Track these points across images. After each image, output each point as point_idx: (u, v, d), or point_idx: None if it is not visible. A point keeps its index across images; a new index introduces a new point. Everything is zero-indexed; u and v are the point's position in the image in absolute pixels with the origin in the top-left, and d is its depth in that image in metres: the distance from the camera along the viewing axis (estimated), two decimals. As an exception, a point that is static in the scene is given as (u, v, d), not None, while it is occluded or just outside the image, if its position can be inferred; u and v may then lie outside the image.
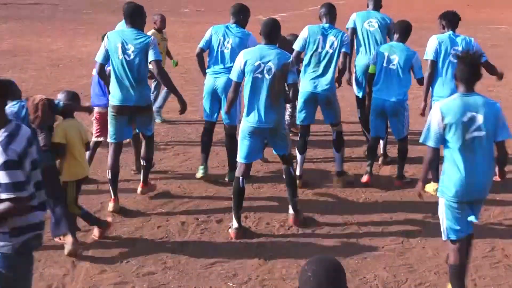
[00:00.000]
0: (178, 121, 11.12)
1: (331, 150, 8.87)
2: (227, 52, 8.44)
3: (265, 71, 7.05)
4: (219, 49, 8.52)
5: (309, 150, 9.05)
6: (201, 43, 8.72)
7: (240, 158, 7.29)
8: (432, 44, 8.29)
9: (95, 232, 7.07)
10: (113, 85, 7.71)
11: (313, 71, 8.45)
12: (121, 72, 7.62)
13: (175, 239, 7.14)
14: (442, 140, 5.60)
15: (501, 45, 19.51)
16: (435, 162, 6.72)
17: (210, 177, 8.73)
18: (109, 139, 7.88)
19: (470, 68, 5.60)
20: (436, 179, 7.73)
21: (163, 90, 10.95)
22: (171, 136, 10.51)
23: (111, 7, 27.75)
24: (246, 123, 7.19)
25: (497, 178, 5.90)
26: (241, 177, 7.24)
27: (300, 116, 8.65)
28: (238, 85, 7.37)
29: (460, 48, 8.03)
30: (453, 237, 5.71)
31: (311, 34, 8.44)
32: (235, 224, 7.21)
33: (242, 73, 7.19)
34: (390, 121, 8.76)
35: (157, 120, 10.79)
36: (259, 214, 7.71)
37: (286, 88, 7.21)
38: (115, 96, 7.70)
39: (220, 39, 8.53)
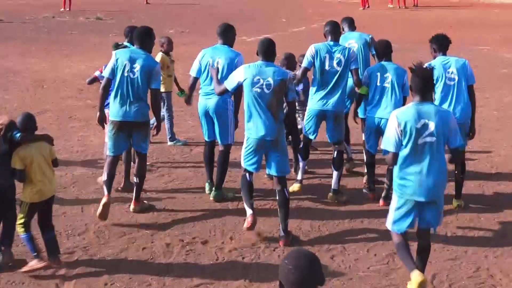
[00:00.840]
0: (163, 142, 11.11)
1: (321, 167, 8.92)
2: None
3: (264, 86, 7.34)
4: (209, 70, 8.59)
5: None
6: (194, 72, 8.79)
7: (245, 166, 7.64)
8: None
9: (30, 263, 6.72)
10: (114, 102, 8.02)
11: (322, 90, 8.56)
12: (124, 88, 7.95)
13: (160, 260, 7.10)
14: (401, 145, 6.08)
15: (483, 66, 19.66)
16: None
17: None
18: (108, 152, 8.16)
19: (424, 81, 6.14)
20: (458, 197, 8.44)
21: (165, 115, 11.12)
22: (156, 157, 10.49)
23: (95, 28, 27.80)
24: (249, 136, 7.52)
25: None
26: (247, 174, 7.65)
27: (306, 129, 8.82)
28: (227, 90, 7.77)
29: (454, 70, 8.24)
30: (395, 230, 6.29)
31: (317, 52, 8.55)
32: (249, 211, 7.49)
33: (237, 86, 7.58)
34: None
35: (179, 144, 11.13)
36: (245, 235, 7.69)
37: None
38: (115, 112, 8.01)
39: (209, 61, 8.61)
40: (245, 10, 36.44)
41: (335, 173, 8.78)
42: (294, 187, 8.82)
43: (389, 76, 8.60)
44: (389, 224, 6.39)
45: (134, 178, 8.29)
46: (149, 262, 7.06)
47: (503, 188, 9.30)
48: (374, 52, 9.36)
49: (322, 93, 8.58)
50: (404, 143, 6.08)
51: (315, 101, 8.63)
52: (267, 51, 7.54)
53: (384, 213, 8.21)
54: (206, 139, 8.97)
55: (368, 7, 39.34)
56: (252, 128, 7.45)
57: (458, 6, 41.89)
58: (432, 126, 6.05)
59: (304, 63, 8.71)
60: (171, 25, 26.52)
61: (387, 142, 6.16)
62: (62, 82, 16.41)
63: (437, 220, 6.36)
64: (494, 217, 8.27)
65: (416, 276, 6.09)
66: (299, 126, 9.69)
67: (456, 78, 8.32)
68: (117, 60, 8.03)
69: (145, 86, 8.01)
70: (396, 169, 6.25)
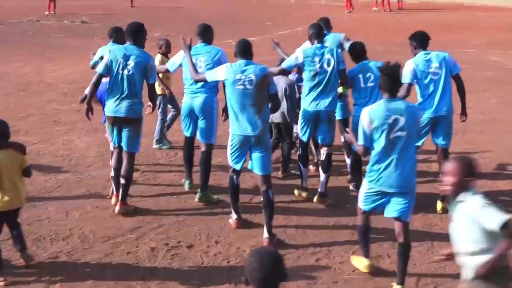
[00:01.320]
0: (148, 146, 11.08)
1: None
2: (201, 71, 8.43)
3: (247, 83, 7.52)
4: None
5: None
6: (171, 66, 9.05)
7: (231, 164, 7.81)
8: (409, 67, 8.45)
9: None
10: (109, 98, 8.23)
11: (314, 91, 8.62)
12: (119, 85, 8.13)
13: (145, 265, 7.08)
14: (371, 140, 6.46)
15: (469, 68, 19.73)
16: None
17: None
18: (110, 145, 8.56)
19: (391, 79, 6.47)
20: (442, 198, 8.48)
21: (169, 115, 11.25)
22: (140, 160, 10.45)
23: (80, 31, 27.71)
24: (233, 133, 7.66)
25: None
26: (234, 176, 7.86)
27: (301, 133, 8.87)
28: (205, 80, 7.99)
29: (437, 64, 8.39)
30: (364, 208, 6.75)
31: (307, 57, 8.59)
32: (234, 216, 7.88)
33: (216, 82, 8.01)
34: None
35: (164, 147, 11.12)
36: (230, 238, 7.68)
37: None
38: (109, 108, 8.24)
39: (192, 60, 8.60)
40: (230, 14, 36.44)
41: (322, 176, 8.81)
42: (302, 195, 8.98)
43: (372, 76, 8.65)
44: (359, 201, 6.80)
45: (121, 179, 8.29)
46: (134, 267, 7.04)
47: (488, 191, 9.32)
48: (347, 50, 9.40)
49: (314, 94, 8.63)
50: (376, 137, 6.41)
51: (308, 103, 8.68)
52: (245, 50, 7.75)
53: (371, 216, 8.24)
54: (187, 135, 9.03)
55: (353, 9, 39.44)
56: (236, 125, 7.61)
57: (443, 9, 42.09)
58: (402, 121, 6.38)
59: (285, 65, 8.81)
60: (157, 28, 26.47)
61: (360, 137, 6.53)
62: (47, 86, 16.35)
63: (407, 212, 6.58)
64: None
65: (366, 265, 6.86)
66: (295, 130, 9.76)
67: (440, 71, 8.46)
68: (111, 57, 8.16)
69: (140, 82, 8.18)
70: (370, 161, 6.57)
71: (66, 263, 7.04)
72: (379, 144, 6.42)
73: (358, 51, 8.97)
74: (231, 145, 7.72)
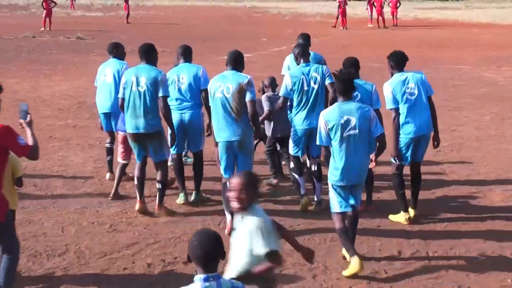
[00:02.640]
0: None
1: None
2: (184, 87, 9.18)
3: (225, 91, 8.12)
4: (177, 87, 9.20)
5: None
6: (165, 92, 8.93)
7: (222, 173, 8.33)
8: (387, 92, 8.54)
9: None
10: (126, 116, 8.73)
11: (304, 109, 8.93)
12: (134, 102, 8.60)
13: (141, 281, 7.05)
14: (329, 139, 7.21)
15: (462, 85, 19.84)
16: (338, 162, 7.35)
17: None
18: (136, 158, 8.97)
19: (345, 84, 7.20)
20: (405, 209, 8.63)
21: None
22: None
23: (76, 48, 27.76)
24: (219, 141, 8.22)
25: (372, 164, 7.85)
26: (227, 182, 7.66)
27: (294, 149, 9.16)
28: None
29: (413, 85, 8.50)
30: (337, 210, 7.35)
31: (294, 78, 8.92)
32: (228, 217, 8.09)
33: (211, 98, 8.32)
34: None
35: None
36: (226, 255, 7.65)
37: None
38: (128, 125, 8.74)
39: (174, 79, 9.22)
40: (226, 30, 36.59)
41: (317, 185, 9.13)
42: (304, 201, 9.15)
43: (358, 95, 8.54)
44: (331, 207, 7.45)
45: (157, 184, 8.87)
46: (130, 283, 7.01)
47: (483, 206, 9.34)
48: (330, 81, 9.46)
49: (304, 112, 8.91)
50: (332, 136, 7.17)
51: (299, 121, 8.95)
52: (234, 60, 8.30)
53: (365, 232, 8.26)
54: (175, 152, 9.36)
55: (334, 27, 39.63)
56: (220, 132, 8.20)
57: (438, 26, 42.31)
58: (353, 121, 7.11)
59: (282, 93, 9.05)
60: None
61: (320, 138, 7.31)
62: (42, 102, 16.36)
63: (359, 200, 7.52)
64: (474, 236, 8.30)
65: (356, 263, 7.07)
66: None
67: (416, 92, 8.53)
68: (126, 79, 8.69)
69: (155, 97, 8.57)
70: (330, 161, 7.29)
71: (62, 279, 7.00)
72: (335, 142, 7.17)
73: (354, 66, 8.86)
74: (219, 153, 8.25)
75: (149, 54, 8.76)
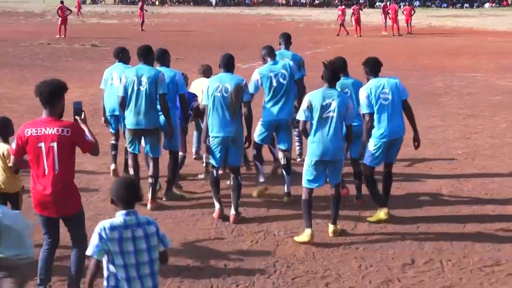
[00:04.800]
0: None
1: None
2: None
3: (223, 91, 8.78)
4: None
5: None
6: (164, 89, 9.42)
7: (213, 162, 9.01)
8: (363, 97, 8.83)
9: None
10: (128, 113, 9.33)
11: (274, 103, 9.69)
12: (135, 100, 9.23)
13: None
14: (310, 117, 8.16)
15: (477, 93, 19.78)
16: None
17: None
18: (129, 150, 9.67)
19: (331, 73, 8.23)
20: (383, 204, 8.93)
21: (194, 134, 11.78)
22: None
23: (90, 55, 27.90)
24: (212, 136, 8.87)
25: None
26: (214, 171, 9.05)
27: (259, 137, 9.94)
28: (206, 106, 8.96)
29: (387, 90, 8.80)
30: (307, 186, 8.30)
31: (263, 75, 9.72)
32: (217, 205, 8.96)
33: (207, 97, 8.88)
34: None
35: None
36: (239, 262, 7.68)
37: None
38: (129, 121, 9.35)
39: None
40: (240, 38, 36.67)
41: (287, 178, 9.73)
42: (262, 187, 9.91)
43: (349, 91, 9.19)
44: (303, 182, 8.35)
45: (150, 179, 9.39)
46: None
47: (498, 215, 9.30)
48: (303, 74, 10.45)
49: (274, 105, 9.68)
50: (314, 115, 8.13)
51: (268, 113, 9.72)
52: (227, 63, 9.00)
53: (377, 240, 8.25)
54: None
55: (338, 35, 39.65)
56: (214, 127, 8.83)
57: (452, 33, 42.20)
58: (333, 104, 8.11)
59: (251, 90, 9.49)
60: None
61: (300, 114, 8.25)
62: (57, 109, 16.39)
63: (338, 176, 8.39)
64: (488, 244, 8.26)
65: (308, 234, 8.14)
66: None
67: (390, 97, 8.81)
68: (127, 78, 9.30)
69: (154, 95, 9.22)
70: (309, 136, 8.22)
71: None
72: (315, 122, 8.15)
73: (341, 66, 9.14)
74: (211, 144, 8.91)
75: (147, 55, 9.42)
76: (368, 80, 9.00)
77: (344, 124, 8.27)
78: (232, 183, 9.05)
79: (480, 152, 12.74)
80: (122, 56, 10.62)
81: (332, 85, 8.27)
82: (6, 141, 7.34)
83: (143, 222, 4.96)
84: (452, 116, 16.15)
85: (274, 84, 9.63)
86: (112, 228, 4.86)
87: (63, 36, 35.48)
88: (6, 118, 7.56)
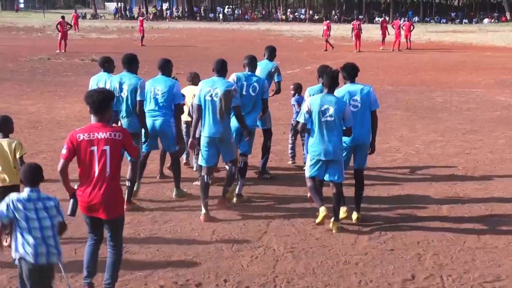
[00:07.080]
0: (157, 182, 11.08)
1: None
2: (159, 98, 10.21)
3: (213, 95, 9.34)
4: (151, 96, 10.25)
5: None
6: (141, 96, 9.98)
7: (202, 163, 9.65)
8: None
9: None
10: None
11: (241, 110, 10.02)
12: (119, 106, 9.90)
13: (153, 303, 7.04)
14: (309, 119, 8.84)
15: (476, 108, 19.79)
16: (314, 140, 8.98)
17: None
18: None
19: (331, 79, 8.82)
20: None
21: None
22: (150, 197, 10.45)
23: (90, 70, 27.92)
24: (202, 136, 9.49)
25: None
26: (205, 176, 9.55)
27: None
28: (199, 107, 9.52)
29: (359, 98, 9.20)
30: (307, 175, 9.11)
31: (238, 80, 10.36)
32: (203, 210, 9.38)
33: (199, 98, 9.46)
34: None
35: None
36: (239, 277, 7.65)
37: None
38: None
39: (151, 89, 10.26)
40: (239, 52, 36.61)
41: (241, 181, 10.38)
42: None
43: (331, 109, 9.21)
44: (306, 174, 9.17)
45: (126, 182, 9.66)
46: (142, 305, 6.99)
47: (498, 230, 9.28)
48: (277, 80, 11.77)
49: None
50: (313, 119, 8.80)
51: (235, 120, 10.01)
52: (220, 68, 9.55)
53: (378, 255, 8.22)
54: (146, 149, 10.43)
55: (332, 48, 39.69)
56: (204, 127, 9.43)
57: (451, 49, 42.30)
58: (331, 110, 8.73)
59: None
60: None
61: (300, 116, 9.02)
62: (57, 123, 16.45)
63: (340, 174, 8.98)
64: (489, 259, 8.24)
65: (322, 210, 8.84)
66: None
67: (360, 105, 9.20)
68: (111, 85, 10.01)
69: (134, 102, 9.81)
70: (310, 139, 8.94)
71: (74, 301, 7.00)
72: (315, 125, 8.81)
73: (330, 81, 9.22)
74: (202, 146, 9.53)
75: (130, 64, 10.08)
76: (345, 84, 9.41)
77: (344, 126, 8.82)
78: (227, 172, 9.78)
79: (480, 167, 12.73)
80: (107, 65, 11.20)
81: (330, 91, 8.89)
82: (7, 137, 8.21)
83: (44, 197, 6.14)
84: (452, 131, 16.15)
85: (243, 93, 10.30)
86: (18, 200, 6.00)
87: (63, 51, 35.56)
88: (7, 116, 8.42)
